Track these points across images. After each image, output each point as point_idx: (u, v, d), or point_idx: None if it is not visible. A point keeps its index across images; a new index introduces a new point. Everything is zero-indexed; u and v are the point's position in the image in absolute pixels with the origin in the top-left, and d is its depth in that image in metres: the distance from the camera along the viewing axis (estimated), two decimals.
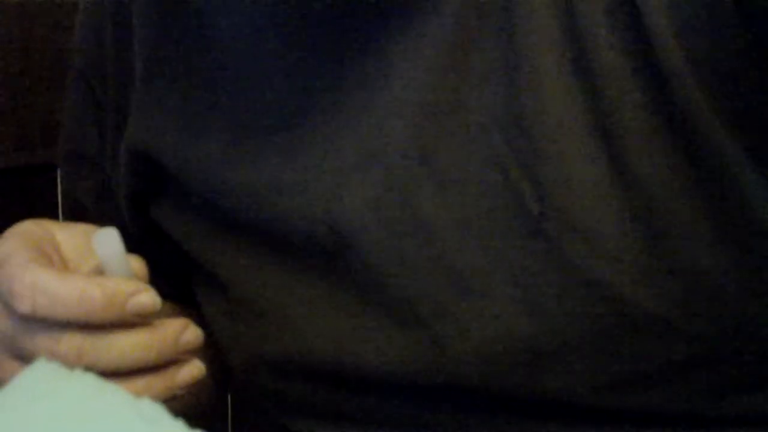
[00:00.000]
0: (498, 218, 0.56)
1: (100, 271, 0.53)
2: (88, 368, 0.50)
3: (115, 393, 0.50)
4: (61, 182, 0.77)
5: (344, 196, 0.59)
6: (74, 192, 0.74)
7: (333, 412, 0.63)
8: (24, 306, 0.50)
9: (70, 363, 0.50)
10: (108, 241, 0.53)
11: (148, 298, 0.51)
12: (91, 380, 0.50)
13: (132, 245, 0.55)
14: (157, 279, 0.56)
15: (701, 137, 0.53)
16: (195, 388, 0.55)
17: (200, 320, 0.64)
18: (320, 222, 0.60)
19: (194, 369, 0.54)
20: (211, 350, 0.64)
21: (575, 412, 0.58)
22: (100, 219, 0.63)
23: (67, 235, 0.56)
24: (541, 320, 0.55)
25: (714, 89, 0.52)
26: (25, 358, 0.52)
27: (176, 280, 0.69)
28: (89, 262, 0.54)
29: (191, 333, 0.53)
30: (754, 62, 0.52)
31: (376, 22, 0.58)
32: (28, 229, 0.56)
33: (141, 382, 0.52)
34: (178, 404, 0.52)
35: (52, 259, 0.54)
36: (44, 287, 0.50)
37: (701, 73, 0.52)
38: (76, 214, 0.72)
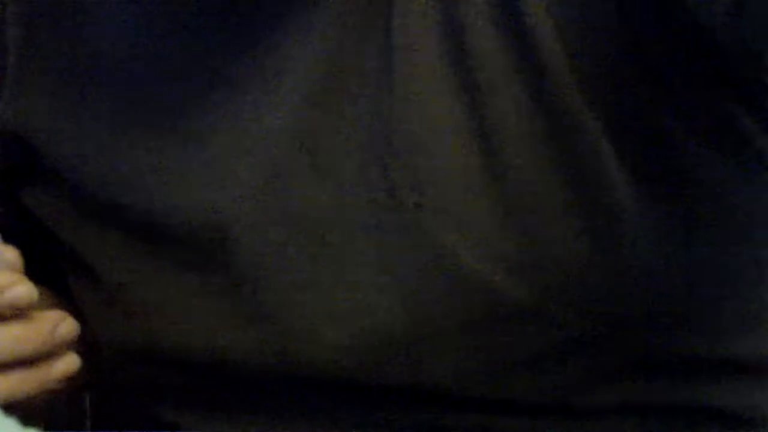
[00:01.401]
0: (374, 209, 0.56)
1: None
2: None
3: None
4: None
5: (224, 186, 0.59)
6: None
7: (206, 403, 0.63)
8: None
9: None
10: None
11: (23, 290, 0.51)
12: None
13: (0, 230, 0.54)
14: (28, 265, 0.55)
15: (576, 133, 0.54)
16: (64, 382, 0.54)
17: (72, 308, 0.63)
18: (197, 212, 0.59)
19: (69, 362, 0.54)
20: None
21: (450, 401, 0.58)
22: None
23: None
24: (415, 311, 0.56)
25: (591, 85, 0.53)
26: None
27: (46, 266, 0.67)
28: None
29: (67, 326, 0.53)
30: (632, 59, 0.53)
31: (265, 12, 0.58)
32: None
33: (15, 375, 0.51)
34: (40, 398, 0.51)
35: None
36: None
37: (579, 68, 0.53)
38: None
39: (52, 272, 0.68)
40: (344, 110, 0.56)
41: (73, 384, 0.59)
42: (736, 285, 0.59)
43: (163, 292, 0.61)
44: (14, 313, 0.51)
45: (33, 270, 0.54)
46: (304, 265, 0.57)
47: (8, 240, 0.55)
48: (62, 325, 0.53)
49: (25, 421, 0.50)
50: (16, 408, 0.50)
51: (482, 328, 0.56)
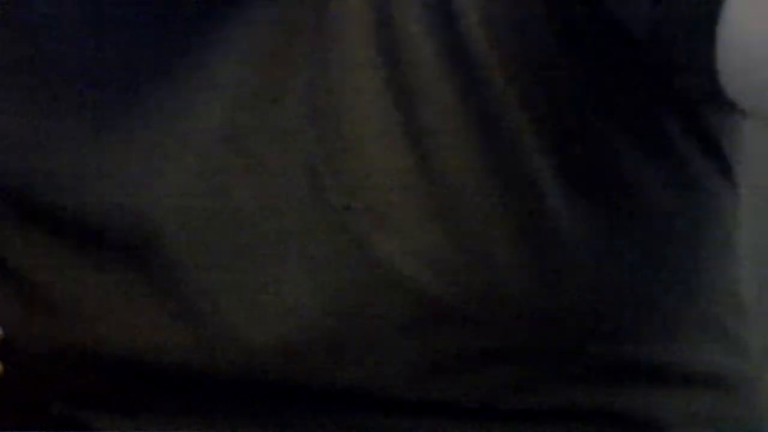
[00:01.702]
0: (303, 210, 0.56)
1: None
2: None
3: None
4: None
5: (151, 185, 0.58)
6: None
7: (129, 405, 0.62)
8: None
9: None
10: None
11: None
12: None
13: None
14: None
15: (507, 135, 0.54)
16: None
17: None
18: (123, 210, 0.58)
19: None
20: None
21: (377, 403, 0.58)
22: None
23: None
24: (342, 313, 0.56)
25: (523, 87, 0.53)
26: None
27: None
28: None
29: None
30: (563, 61, 0.53)
31: (199, 10, 0.57)
32: None
33: None
34: None
35: None
36: None
37: (511, 69, 0.53)
38: None
39: None
40: (276, 110, 0.56)
41: None
42: (666, 291, 0.60)
43: (87, 291, 0.60)
44: None
45: None
46: (231, 266, 0.57)
47: None
48: None
49: None
50: None
51: (410, 330, 0.56)
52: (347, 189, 0.55)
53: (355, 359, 0.57)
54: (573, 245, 0.55)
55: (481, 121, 0.54)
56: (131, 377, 0.60)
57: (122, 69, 0.59)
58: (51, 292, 0.61)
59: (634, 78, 0.55)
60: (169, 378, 0.59)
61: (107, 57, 0.59)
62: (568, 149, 0.55)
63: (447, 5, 0.53)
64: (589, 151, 0.55)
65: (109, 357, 0.60)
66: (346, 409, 0.58)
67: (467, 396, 0.58)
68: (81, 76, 0.60)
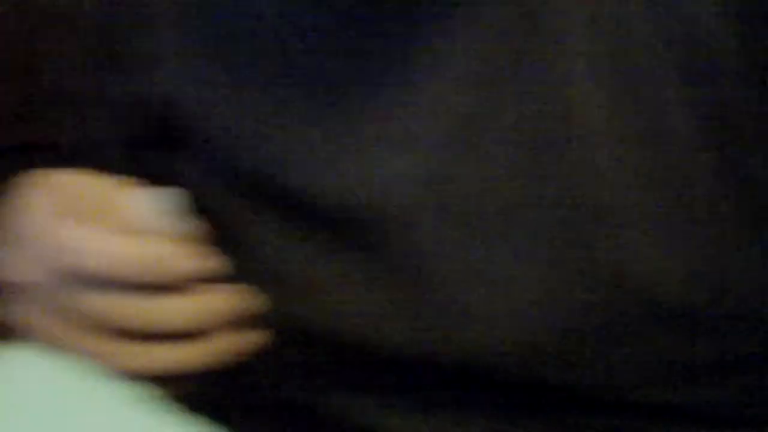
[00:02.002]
0: (537, 207, 0.55)
1: (149, 230, 0.52)
2: (132, 329, 0.49)
3: (98, 377, 0.50)
4: (37, 124, 0.71)
5: (386, 169, 0.57)
6: (52, 134, 0.69)
7: (354, 388, 0.61)
8: (67, 261, 0.49)
9: (113, 322, 0.49)
10: (162, 199, 0.52)
11: (200, 261, 0.50)
12: (74, 364, 0.50)
13: None
14: None
15: (741, 138, 0.52)
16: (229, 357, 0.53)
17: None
18: (357, 194, 0.58)
19: (245, 337, 0.53)
20: None
21: (603, 405, 0.57)
22: (76, 164, 0.60)
23: (102, 188, 0.54)
24: (574, 312, 0.55)
25: (756, 88, 0.52)
26: (63, 314, 0.50)
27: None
28: (125, 219, 0.52)
29: (237, 301, 0.52)
30: None
31: (440, 5, 0.57)
32: (62, 181, 0.54)
33: (185, 347, 0.51)
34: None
35: (86, 213, 0.52)
36: (93, 246, 0.49)
37: (745, 69, 0.52)
38: (50, 158, 0.67)
39: None
40: (507, 101, 0.55)
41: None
42: None
43: (319, 274, 0.60)
44: (190, 286, 0.50)
45: None
46: (463, 257, 0.56)
47: None
48: (233, 300, 0.52)
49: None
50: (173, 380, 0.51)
51: (639, 334, 0.55)
52: (577, 190, 0.54)
53: (583, 360, 0.56)
54: None
55: (713, 123, 0.52)
56: (360, 362, 0.60)
57: (358, 53, 0.58)
58: (284, 274, 0.61)
59: None
60: (398, 363, 0.59)
61: (341, 40, 0.58)
62: None
63: (678, 5, 0.52)
64: None
65: (342, 339, 0.60)
66: (573, 409, 0.58)
67: (698, 402, 0.57)
68: (315, 58, 0.59)
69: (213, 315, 0.51)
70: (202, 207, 0.60)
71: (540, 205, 0.55)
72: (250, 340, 0.52)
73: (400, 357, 0.58)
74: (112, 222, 0.52)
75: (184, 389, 0.53)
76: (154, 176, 0.61)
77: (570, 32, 0.54)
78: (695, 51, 0.52)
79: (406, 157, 0.57)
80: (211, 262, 0.50)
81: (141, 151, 0.65)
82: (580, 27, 0.54)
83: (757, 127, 0.52)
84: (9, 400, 0.49)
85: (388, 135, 0.57)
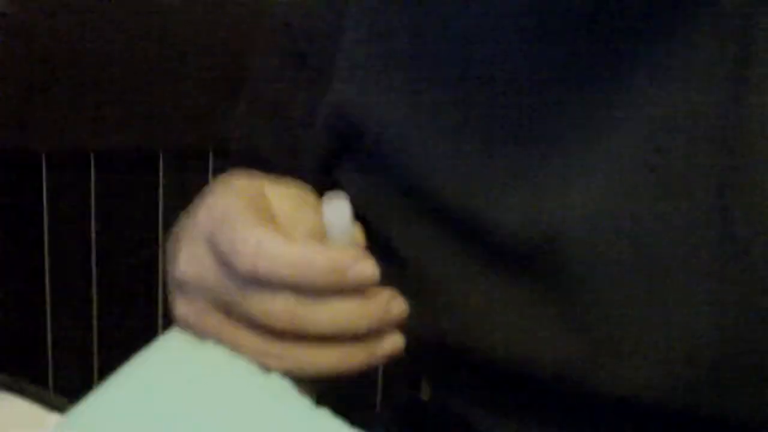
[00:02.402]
0: (710, 244, 0.55)
1: (319, 236, 0.53)
2: (298, 331, 0.51)
3: (244, 366, 0.51)
4: (240, 136, 0.75)
5: (565, 198, 0.58)
6: (255, 144, 0.73)
7: (506, 409, 0.62)
8: (246, 265, 0.50)
9: (282, 323, 0.50)
10: (338, 206, 0.53)
11: (369, 268, 0.51)
12: (222, 352, 0.52)
13: None
14: None
15: None
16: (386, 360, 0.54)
17: None
18: (532, 221, 0.58)
19: (395, 341, 0.53)
20: None
21: None
22: (277, 173, 0.62)
23: (278, 194, 0.56)
24: (734, 352, 0.55)
25: None
26: (234, 313, 0.52)
27: None
28: (300, 224, 0.54)
29: (398, 305, 0.53)
30: None
31: (621, 38, 0.57)
32: (245, 183, 0.56)
33: (343, 349, 0.52)
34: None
35: (268, 217, 0.54)
36: (269, 249, 0.50)
37: None
38: (251, 165, 0.70)
39: None
40: (691, 133, 0.56)
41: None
42: None
43: (482, 295, 0.61)
44: (352, 289, 0.51)
45: None
46: (636, 286, 0.56)
47: None
48: (394, 304, 0.52)
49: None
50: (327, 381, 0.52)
51: None
52: (755, 221, 0.54)
53: (736, 397, 0.56)
54: None
55: None
56: (516, 384, 0.60)
57: (548, 81, 0.59)
58: (444, 291, 0.62)
59: None
60: (539, 385, 0.60)
61: (533, 67, 0.59)
62: None
63: None
64: None
65: (497, 361, 0.60)
66: None
67: None
68: (503, 83, 0.60)
69: (377, 319, 0.52)
70: (361, 216, 0.60)
71: (721, 242, 0.54)
72: (396, 345, 0.53)
73: (551, 383, 0.59)
74: (295, 228, 0.54)
75: (332, 390, 0.54)
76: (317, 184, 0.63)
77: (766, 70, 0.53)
78: None
79: (587, 185, 0.57)
80: (374, 266, 0.51)
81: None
82: None
83: None
84: (158, 384, 0.50)
85: (571, 163, 0.58)
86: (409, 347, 0.57)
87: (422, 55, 0.62)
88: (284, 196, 0.55)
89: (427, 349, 0.62)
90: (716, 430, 0.57)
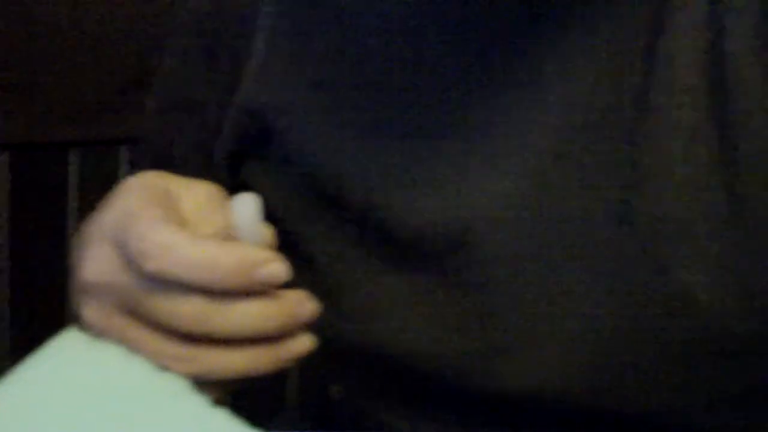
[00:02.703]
0: (612, 235, 0.56)
1: (227, 235, 0.52)
2: (207, 333, 0.50)
3: (141, 366, 0.50)
4: (149, 130, 0.74)
5: (474, 192, 0.58)
6: (163, 140, 0.72)
7: (413, 405, 0.63)
8: (152, 265, 0.49)
9: (190, 326, 0.49)
10: (247, 206, 0.52)
11: (278, 268, 0.50)
12: (118, 352, 0.51)
13: None
14: None
15: None
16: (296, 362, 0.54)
17: None
18: (440, 215, 0.59)
19: (306, 342, 0.52)
20: None
21: (666, 431, 0.58)
22: (185, 172, 0.62)
23: (187, 193, 0.54)
24: (642, 338, 0.56)
25: None
26: (141, 316, 0.51)
27: None
28: (209, 223, 0.53)
29: (308, 305, 0.52)
30: None
31: (529, 35, 0.58)
32: (151, 182, 0.54)
33: (253, 351, 0.51)
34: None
35: (176, 217, 0.53)
36: (176, 249, 0.49)
37: None
38: (158, 164, 0.68)
39: None
40: (603, 129, 0.56)
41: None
42: None
43: (385, 293, 0.61)
44: (262, 290, 0.50)
45: None
46: (538, 281, 0.57)
47: None
48: (304, 304, 0.52)
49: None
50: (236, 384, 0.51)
51: (705, 358, 0.56)
52: (657, 215, 0.55)
53: (646, 385, 0.57)
54: None
55: None
56: (423, 382, 0.61)
57: (454, 77, 0.59)
58: (352, 292, 0.62)
59: None
60: (455, 384, 0.60)
61: (440, 63, 0.60)
62: None
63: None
64: None
65: (404, 360, 0.61)
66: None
67: (759, 427, 0.57)
68: (411, 80, 0.60)
69: (287, 320, 0.51)
70: (271, 216, 0.60)
71: (622, 233, 0.55)
72: (306, 346, 0.53)
73: (457, 377, 0.59)
74: (203, 227, 0.53)
75: (236, 391, 0.53)
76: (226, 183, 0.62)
77: (676, 67, 0.54)
78: None
79: (491, 187, 0.58)
80: (285, 266, 0.50)
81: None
82: (685, 60, 0.54)
83: None
84: (51, 385, 0.49)
85: (480, 161, 0.58)
86: (319, 347, 0.57)
87: (327, 54, 0.62)
88: (193, 195, 0.54)
89: (336, 348, 0.62)
90: (619, 423, 0.58)
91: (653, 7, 0.55)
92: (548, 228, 0.57)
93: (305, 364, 0.55)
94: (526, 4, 0.57)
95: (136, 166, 0.63)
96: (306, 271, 0.61)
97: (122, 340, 0.51)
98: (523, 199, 0.57)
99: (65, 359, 0.51)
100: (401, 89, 0.60)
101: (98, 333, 0.52)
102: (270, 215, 0.59)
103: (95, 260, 0.52)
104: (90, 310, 0.52)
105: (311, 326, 0.55)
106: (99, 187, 0.59)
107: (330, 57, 0.62)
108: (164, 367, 0.50)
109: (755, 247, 0.54)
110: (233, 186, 0.61)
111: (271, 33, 0.64)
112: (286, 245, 0.59)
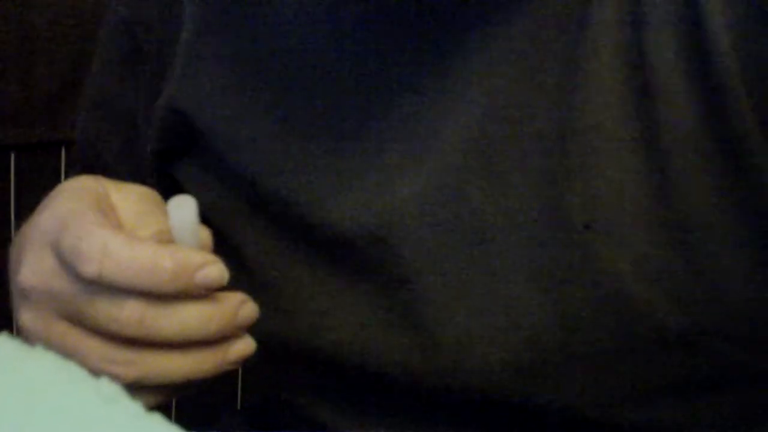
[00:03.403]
0: (540, 226, 0.56)
1: (165, 238, 0.52)
2: (147, 337, 0.49)
3: (73, 371, 0.49)
4: (81, 134, 0.73)
5: (393, 191, 0.59)
6: (95, 144, 0.72)
7: (348, 404, 0.63)
8: (90, 269, 0.49)
9: (131, 330, 0.49)
10: (184, 208, 0.52)
11: (216, 270, 0.50)
12: (51, 357, 0.50)
13: None
14: None
15: (750, 163, 0.53)
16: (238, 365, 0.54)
17: None
18: (361, 214, 0.59)
19: (246, 345, 0.53)
20: None
21: (597, 426, 0.58)
22: (117, 176, 0.61)
23: (123, 196, 0.54)
24: (571, 331, 0.56)
25: (765, 114, 0.52)
26: (80, 321, 0.51)
27: None
28: (146, 227, 0.53)
29: (249, 308, 0.52)
30: None
31: (451, 22, 0.58)
32: (87, 185, 0.54)
33: (195, 355, 0.51)
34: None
35: (113, 220, 0.52)
36: (114, 252, 0.49)
37: (757, 96, 0.52)
38: (91, 168, 0.69)
39: None
40: (524, 124, 0.56)
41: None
42: None
43: (314, 291, 0.61)
44: (201, 293, 0.50)
45: None
46: (461, 275, 0.57)
47: None
48: (244, 307, 0.52)
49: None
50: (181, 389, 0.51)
51: (636, 352, 0.56)
52: (586, 209, 0.55)
53: (577, 379, 0.57)
54: None
55: (723, 150, 0.53)
56: (354, 378, 0.61)
57: (370, 79, 0.59)
58: (281, 290, 0.62)
59: None
60: (392, 382, 0.60)
61: (354, 66, 0.60)
62: None
63: (698, 32, 0.53)
64: None
65: (334, 357, 0.61)
66: (564, 429, 0.59)
67: (690, 422, 0.58)
68: (327, 82, 0.60)
69: (227, 322, 0.51)
70: (206, 213, 0.59)
71: (551, 225, 0.55)
72: (247, 349, 0.53)
73: (390, 376, 0.59)
74: (140, 230, 0.53)
75: (177, 396, 0.53)
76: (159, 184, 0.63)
77: (598, 62, 0.55)
78: (711, 89, 0.53)
79: (411, 182, 0.58)
80: (222, 269, 0.50)
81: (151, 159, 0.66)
82: (607, 56, 0.54)
83: (762, 157, 0.53)
84: None
85: (403, 156, 0.58)
86: (259, 349, 0.57)
87: (246, 55, 0.62)
88: (129, 198, 0.54)
89: (273, 347, 0.62)
90: (553, 418, 0.58)
91: (575, 2, 0.55)
92: (469, 223, 0.57)
93: (246, 364, 0.55)
94: (438, 6, 0.57)
95: (71, 169, 0.62)
96: (237, 269, 0.60)
97: (62, 346, 0.51)
98: (442, 196, 0.57)
99: None
100: (319, 89, 0.61)
101: (37, 338, 0.52)
102: (208, 218, 0.60)
103: (33, 265, 0.52)
104: (28, 316, 0.52)
105: (255, 329, 0.56)
106: (39, 190, 0.58)
107: (250, 57, 0.63)
108: (105, 372, 0.49)
109: (683, 243, 0.54)
110: (162, 187, 0.61)
111: (193, 34, 0.64)
112: (226, 247, 0.60)
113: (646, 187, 0.54)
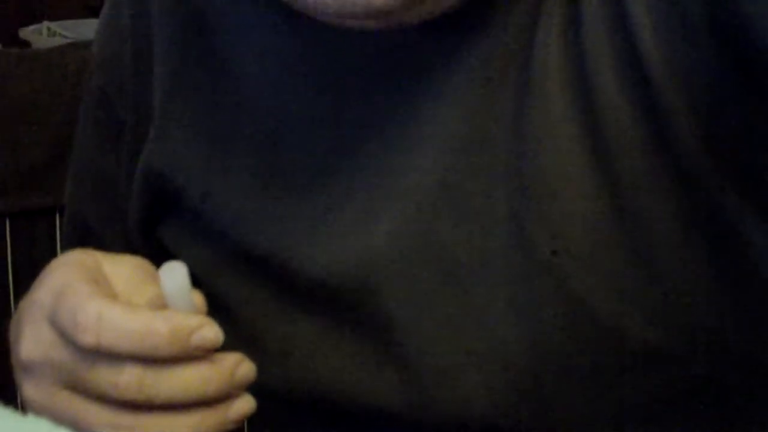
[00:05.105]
0: (509, 256, 0.57)
1: (159, 305, 0.53)
2: (148, 400, 0.50)
3: None
4: (69, 203, 0.75)
5: (368, 234, 0.60)
6: (82, 213, 0.74)
7: None
8: (88, 338, 0.50)
9: (131, 395, 0.50)
10: (175, 274, 0.53)
11: (211, 332, 0.51)
12: (45, 426, 0.50)
13: None
14: None
15: (696, 180, 0.55)
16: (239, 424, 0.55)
17: None
18: (339, 260, 0.61)
19: (246, 403, 0.54)
20: None
21: None
22: (104, 243, 0.63)
23: (116, 267, 0.56)
24: (547, 355, 0.57)
25: (711, 132, 0.54)
26: (82, 389, 0.52)
27: None
28: (140, 295, 0.54)
29: (246, 367, 0.53)
30: (746, 99, 0.54)
31: (407, 70, 0.60)
32: (80, 259, 0.55)
33: (196, 416, 0.52)
34: None
35: (107, 290, 0.54)
36: (110, 320, 0.50)
37: (699, 116, 0.54)
38: (80, 236, 0.71)
39: None
40: (483, 156, 0.58)
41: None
42: None
43: (299, 335, 0.63)
44: (198, 354, 0.51)
45: None
46: (441, 308, 0.59)
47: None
48: (241, 366, 0.53)
49: None
50: None
51: (610, 371, 0.57)
52: (551, 235, 0.56)
53: (557, 401, 0.58)
54: None
55: (675, 169, 0.55)
56: (342, 419, 0.62)
57: (335, 126, 0.61)
58: (266, 336, 0.64)
59: None
60: (373, 418, 0.61)
61: (319, 114, 0.61)
62: (761, 194, 0.55)
63: (638, 60, 0.54)
64: None
65: (321, 398, 0.62)
66: None
67: None
68: (295, 132, 0.62)
69: (225, 382, 0.52)
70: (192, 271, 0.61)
71: (519, 254, 0.57)
72: (247, 406, 0.54)
73: (377, 413, 0.60)
74: (135, 299, 0.54)
75: None
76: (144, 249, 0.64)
77: (550, 94, 0.56)
78: (655, 111, 0.54)
79: (382, 224, 0.59)
80: (217, 330, 0.52)
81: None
82: (559, 88, 0.56)
83: (711, 174, 0.54)
84: None
85: (370, 202, 0.60)
86: (258, 401, 0.58)
87: (218, 110, 0.64)
88: (122, 269, 0.56)
89: (266, 395, 0.61)
90: None
91: (521, 35, 0.57)
92: (442, 259, 0.58)
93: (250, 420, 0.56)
94: (393, 50, 0.59)
95: (64, 238, 0.64)
96: (224, 323, 0.61)
97: (67, 415, 0.52)
98: (414, 235, 0.59)
99: None
100: (287, 140, 0.62)
101: (42, 409, 0.53)
102: (199, 279, 0.62)
103: (32, 338, 0.53)
104: (31, 388, 0.54)
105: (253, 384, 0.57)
106: (36, 254, 0.60)
107: (218, 115, 0.64)
108: None
109: (647, 264, 0.55)
110: (150, 250, 0.62)
111: (164, 95, 0.66)
112: (217, 307, 0.61)
113: (604, 213, 0.56)
